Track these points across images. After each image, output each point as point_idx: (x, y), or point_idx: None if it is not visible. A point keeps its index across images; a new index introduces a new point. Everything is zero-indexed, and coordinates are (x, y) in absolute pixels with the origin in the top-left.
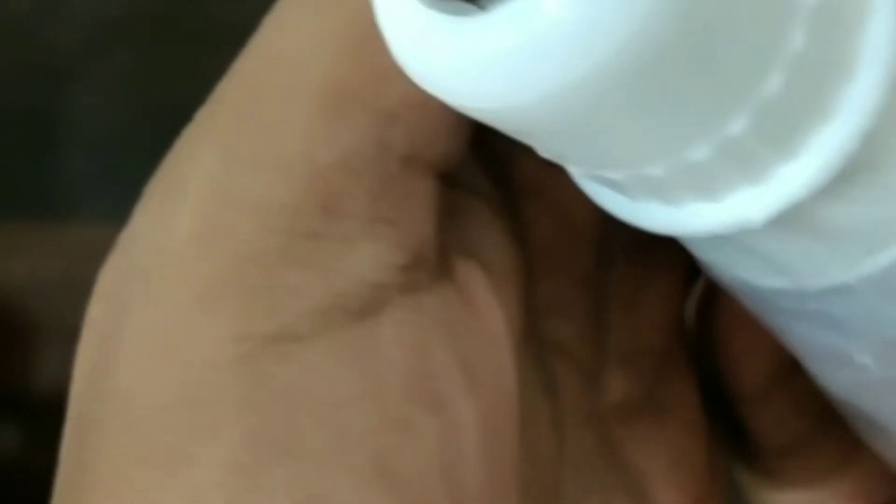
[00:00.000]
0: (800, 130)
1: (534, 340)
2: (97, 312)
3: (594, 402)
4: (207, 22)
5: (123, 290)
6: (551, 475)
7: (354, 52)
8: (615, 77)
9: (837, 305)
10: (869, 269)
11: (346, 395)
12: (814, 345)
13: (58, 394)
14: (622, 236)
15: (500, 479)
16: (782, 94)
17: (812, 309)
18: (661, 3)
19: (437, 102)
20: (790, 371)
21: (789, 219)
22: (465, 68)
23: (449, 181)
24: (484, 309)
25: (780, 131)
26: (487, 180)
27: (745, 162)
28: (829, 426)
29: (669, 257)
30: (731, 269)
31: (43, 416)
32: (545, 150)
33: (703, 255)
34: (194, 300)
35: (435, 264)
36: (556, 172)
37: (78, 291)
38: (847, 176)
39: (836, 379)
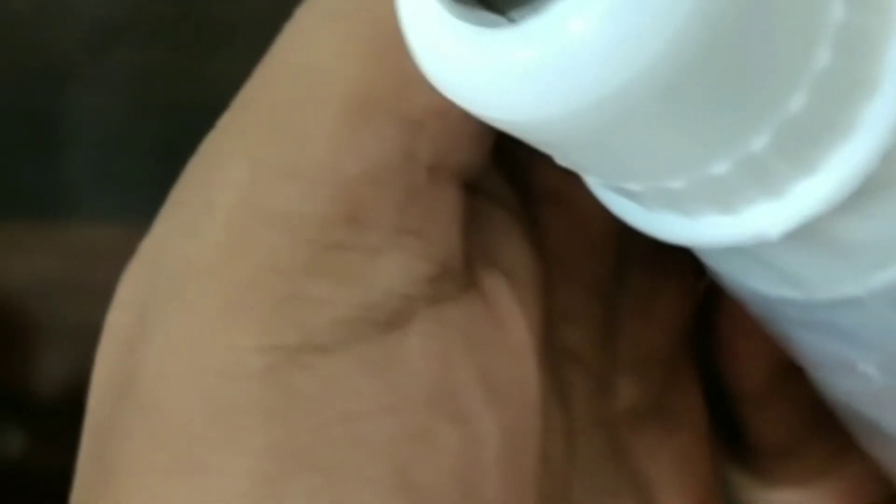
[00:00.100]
0: (820, 147)
1: (548, 346)
2: (119, 318)
3: (604, 408)
4: (207, 22)
5: (149, 297)
6: (561, 480)
7: (378, 61)
8: (642, 94)
9: (846, 317)
10: (879, 282)
11: (370, 408)
12: (818, 353)
13: (58, 394)
14: (635, 244)
15: (520, 491)
16: (805, 112)
17: (820, 319)
18: (689, 23)
19: (461, 110)
20: (787, 374)
21: (804, 233)
22: (492, 80)
23: (471, 189)
24: (508, 320)
25: (801, 147)
26: (507, 187)
27: (765, 177)
28: (821, 428)
29: (680, 264)
30: (742, 278)
31: (43, 416)
32: (565, 160)
33: (714, 264)
34: (221, 310)
35: (461, 275)
36: (573, 180)
37: (78, 291)
38: (864, 192)
39: (837, 386)
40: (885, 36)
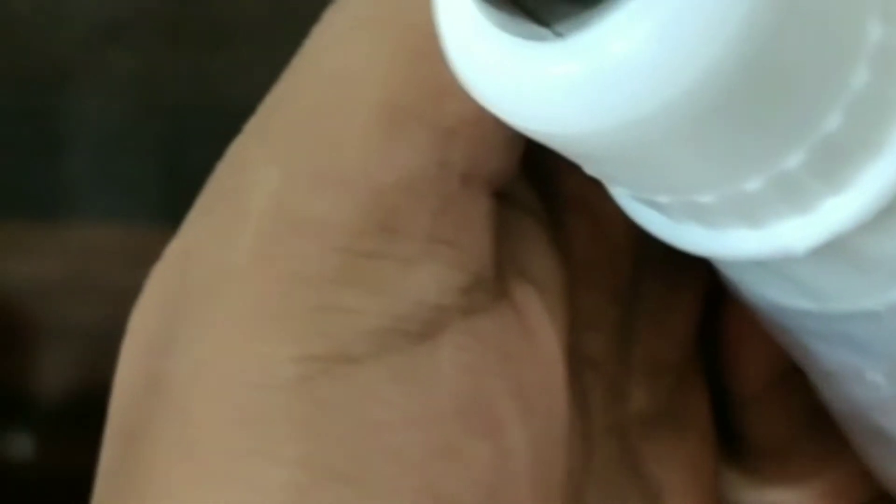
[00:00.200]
0: (851, 164)
1: (570, 354)
2: (146, 323)
3: (617, 415)
4: (207, 22)
5: (177, 303)
6: (576, 486)
7: (411, 68)
8: (684, 112)
9: (861, 328)
10: None
11: (402, 419)
12: (829, 361)
13: (58, 394)
14: (651, 250)
15: (547, 502)
16: (839, 131)
17: (835, 330)
18: (733, 44)
19: (493, 119)
20: (785, 376)
21: (828, 248)
22: (535, 93)
23: (500, 196)
24: (539, 332)
25: (832, 165)
26: (534, 195)
27: (795, 193)
28: (815, 429)
29: (692, 271)
30: (760, 289)
31: (42, 416)
32: (596, 171)
33: (732, 273)
34: (254, 319)
35: (492, 285)
36: (594, 186)
37: (78, 291)
38: (890, 209)
39: (844, 393)
40: None
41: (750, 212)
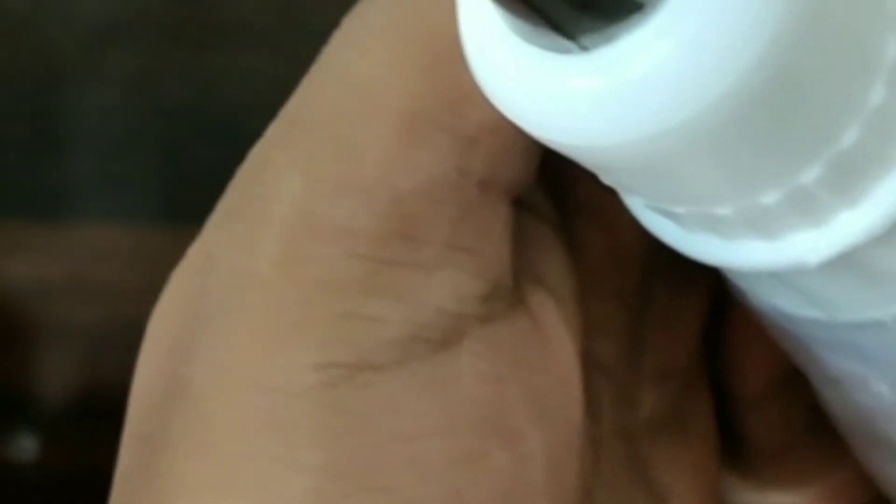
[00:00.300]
0: (865, 179)
1: (582, 359)
2: (166, 327)
3: (626, 419)
4: (208, 23)
5: (199, 308)
6: (584, 490)
7: (432, 76)
8: (707, 127)
9: (867, 338)
10: None
11: (424, 428)
12: (833, 368)
13: (58, 394)
14: (660, 257)
15: None
16: (855, 146)
17: (841, 339)
18: (759, 62)
19: (513, 127)
20: (786, 380)
21: (839, 260)
22: (558, 105)
23: (516, 203)
24: (555, 341)
25: (848, 180)
26: (549, 202)
27: (810, 207)
28: (814, 433)
29: (698, 277)
30: (768, 297)
31: (42, 416)
32: (612, 181)
33: (741, 282)
34: (276, 326)
35: (510, 292)
36: (608, 194)
37: (78, 291)
38: None
39: (848, 400)
40: None
41: (764, 224)
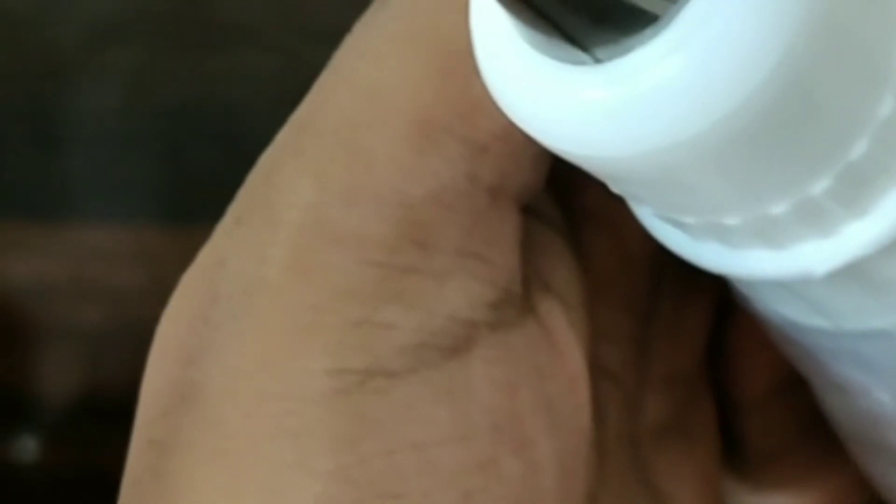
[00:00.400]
0: (873, 190)
1: (589, 366)
2: (175, 330)
3: (631, 426)
4: (209, 22)
5: (210, 313)
6: (589, 496)
7: (443, 83)
8: (719, 140)
9: (871, 347)
10: None
11: (436, 434)
12: (835, 376)
13: (58, 394)
14: (670, 265)
15: None
16: (864, 158)
17: (845, 347)
18: (772, 75)
19: (522, 134)
20: (786, 385)
21: (845, 270)
22: (571, 116)
23: (525, 210)
24: (565, 348)
25: (855, 191)
26: (557, 209)
27: (818, 217)
28: (813, 437)
29: (707, 285)
30: (773, 305)
31: (42, 417)
32: (622, 190)
33: (746, 289)
34: (289, 332)
35: (520, 299)
36: (616, 202)
37: (78, 291)
38: None
39: (847, 407)
40: None
41: (772, 234)
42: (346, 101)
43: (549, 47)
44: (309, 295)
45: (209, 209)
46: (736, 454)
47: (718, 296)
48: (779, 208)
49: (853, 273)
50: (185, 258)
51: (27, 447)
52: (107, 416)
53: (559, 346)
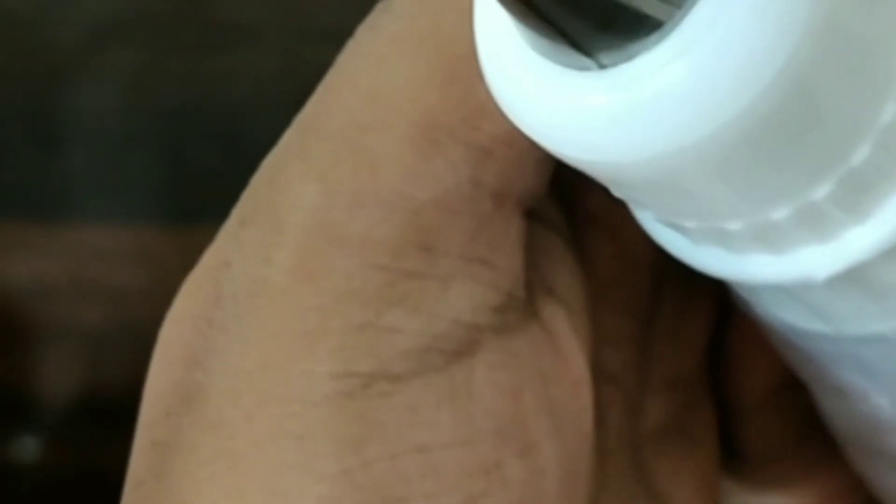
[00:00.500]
0: (874, 196)
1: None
2: (179, 332)
3: (632, 429)
4: (209, 22)
5: (214, 315)
6: (590, 499)
7: (448, 87)
8: (723, 146)
9: (871, 352)
10: None
11: (440, 438)
12: (835, 380)
13: (58, 394)
14: (672, 269)
15: None
16: (866, 163)
17: (845, 352)
18: (776, 81)
19: (526, 139)
20: (784, 387)
21: (845, 275)
22: (575, 121)
23: (528, 214)
24: (567, 351)
25: (856, 197)
26: (560, 213)
27: (819, 223)
28: (810, 439)
29: (708, 289)
30: (773, 309)
31: (42, 417)
32: (623, 195)
33: (747, 294)
34: (293, 334)
35: (523, 304)
36: (618, 206)
37: (78, 291)
38: None
39: (845, 411)
40: None
41: (773, 239)
42: (351, 103)
43: (553, 52)
44: (313, 298)
45: (209, 209)
46: (734, 455)
47: (719, 299)
48: (780, 213)
49: (854, 278)
50: (185, 258)
51: (27, 447)
52: (107, 416)
53: (562, 351)
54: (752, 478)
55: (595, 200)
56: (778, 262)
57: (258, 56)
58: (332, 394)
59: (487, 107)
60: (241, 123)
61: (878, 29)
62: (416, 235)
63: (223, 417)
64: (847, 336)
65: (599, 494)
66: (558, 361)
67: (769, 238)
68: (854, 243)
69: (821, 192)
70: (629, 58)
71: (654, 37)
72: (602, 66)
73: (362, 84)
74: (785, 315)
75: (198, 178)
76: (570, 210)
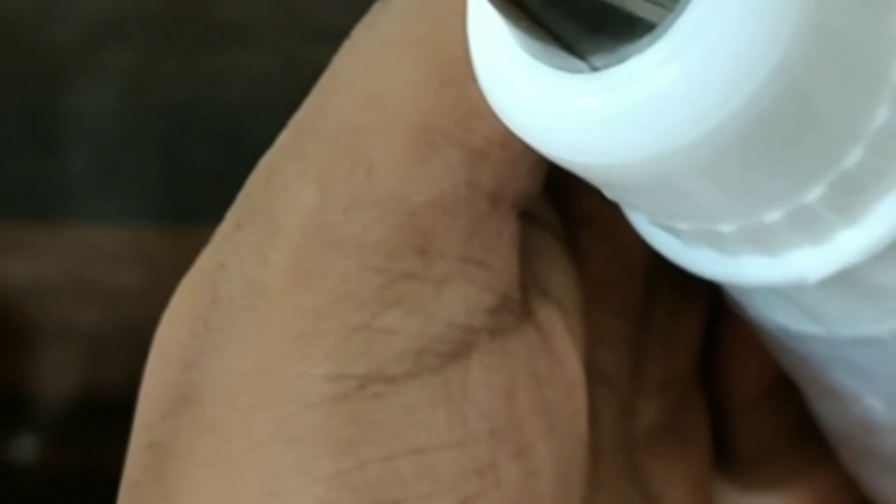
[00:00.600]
0: (866, 198)
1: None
2: (176, 333)
3: (626, 430)
4: (208, 22)
5: (210, 317)
6: (584, 501)
7: (443, 90)
8: (713, 148)
9: (864, 354)
10: None
11: (435, 440)
12: (827, 381)
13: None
14: (665, 270)
15: None
16: (858, 166)
17: (838, 354)
18: (769, 82)
19: (520, 141)
20: (776, 388)
21: (837, 277)
22: (567, 124)
23: (522, 215)
24: (563, 354)
25: (849, 199)
26: (554, 214)
27: (811, 225)
28: (801, 439)
29: (702, 291)
30: (766, 311)
31: (42, 417)
32: (616, 197)
33: (739, 296)
34: (289, 336)
35: (518, 305)
36: (612, 207)
37: (78, 291)
38: None
39: (838, 412)
40: None
41: (765, 241)
42: (347, 105)
43: (545, 55)
44: (309, 300)
45: (208, 209)
46: (728, 456)
47: (712, 301)
48: (773, 216)
49: (846, 280)
50: (184, 258)
51: (26, 447)
52: (106, 415)
53: (557, 352)
54: (745, 478)
55: (590, 202)
56: (770, 265)
57: (257, 56)
58: (328, 395)
59: (482, 110)
60: (241, 123)
61: (870, 31)
62: (412, 237)
63: (219, 419)
64: (840, 338)
65: (593, 495)
66: (553, 363)
67: (762, 240)
68: (846, 245)
69: (813, 194)
70: (621, 60)
71: (646, 39)
72: (594, 69)
73: (359, 85)
74: (778, 317)
75: (197, 177)
76: (564, 211)
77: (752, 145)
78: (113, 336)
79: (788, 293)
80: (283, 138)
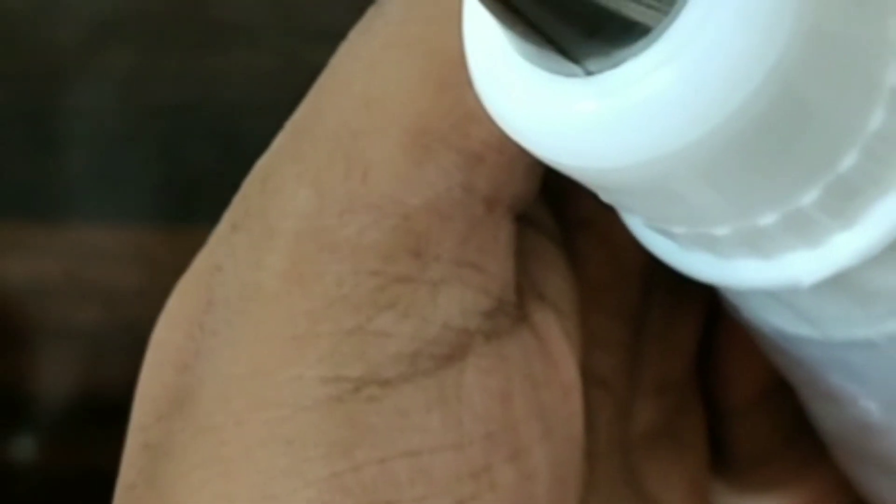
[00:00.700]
0: (861, 202)
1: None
2: (171, 335)
3: (622, 433)
4: (207, 22)
5: (205, 319)
6: (579, 502)
7: (439, 93)
8: (708, 151)
9: (858, 356)
10: (894, 327)
11: (430, 442)
12: (823, 384)
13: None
14: (662, 274)
15: None
16: (853, 169)
17: (833, 357)
18: (763, 86)
19: (516, 144)
20: (772, 390)
21: (832, 280)
22: (562, 127)
23: (518, 218)
24: (558, 357)
25: (844, 203)
26: (550, 217)
27: (806, 228)
28: (797, 441)
29: (697, 294)
30: (761, 314)
31: (42, 417)
32: (612, 200)
33: (735, 298)
34: (284, 339)
35: (514, 308)
36: (608, 211)
37: (77, 292)
38: (893, 245)
39: (833, 414)
40: None
41: (761, 244)
42: (344, 107)
43: (540, 59)
44: (304, 302)
45: (207, 209)
46: (724, 458)
47: (708, 304)
48: (768, 219)
49: (841, 283)
50: (182, 258)
51: (25, 447)
52: (104, 415)
53: (553, 355)
54: (742, 480)
55: (586, 205)
56: (765, 268)
57: (256, 56)
58: (323, 398)
59: (478, 113)
60: (239, 123)
61: (865, 34)
62: (407, 241)
63: (214, 422)
64: (835, 341)
65: (589, 498)
66: (548, 366)
67: (757, 243)
68: (841, 249)
69: (808, 197)
70: (616, 64)
71: (641, 43)
72: (589, 73)
73: (355, 88)
74: (773, 319)
75: (196, 178)
76: (560, 215)
77: (747, 148)
78: (112, 336)
79: (783, 296)
80: (280, 140)
